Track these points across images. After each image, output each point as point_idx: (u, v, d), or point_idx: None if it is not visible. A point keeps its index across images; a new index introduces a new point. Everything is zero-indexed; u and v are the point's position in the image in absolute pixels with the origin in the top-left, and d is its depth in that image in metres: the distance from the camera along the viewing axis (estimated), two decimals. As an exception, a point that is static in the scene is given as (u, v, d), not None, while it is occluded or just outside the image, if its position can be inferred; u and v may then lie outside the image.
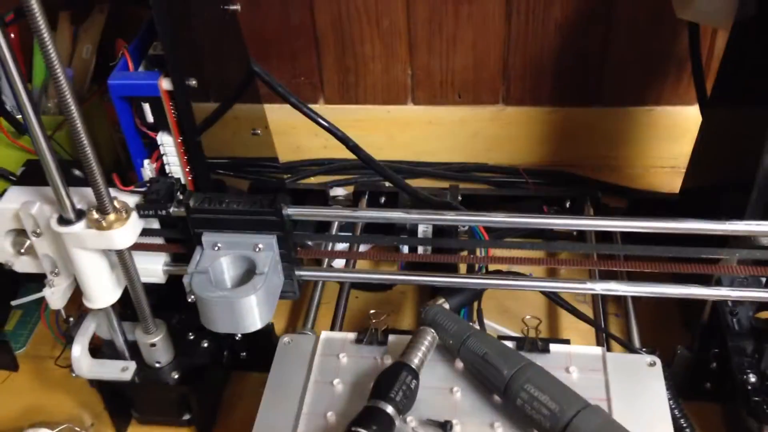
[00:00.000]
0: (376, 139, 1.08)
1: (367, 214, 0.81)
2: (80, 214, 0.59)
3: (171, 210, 0.63)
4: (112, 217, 0.58)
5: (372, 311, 0.67)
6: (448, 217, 0.65)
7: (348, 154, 0.79)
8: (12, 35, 0.82)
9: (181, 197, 0.63)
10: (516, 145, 1.08)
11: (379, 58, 1.03)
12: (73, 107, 0.52)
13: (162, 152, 0.68)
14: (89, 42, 0.91)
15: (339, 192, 1.04)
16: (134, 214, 0.60)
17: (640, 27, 0.95)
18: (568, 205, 0.94)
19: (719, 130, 0.77)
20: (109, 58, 0.97)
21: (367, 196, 0.98)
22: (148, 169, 0.68)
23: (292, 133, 1.04)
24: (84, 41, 0.91)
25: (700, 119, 0.81)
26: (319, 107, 1.06)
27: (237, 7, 0.73)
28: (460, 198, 0.92)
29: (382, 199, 0.97)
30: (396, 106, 1.07)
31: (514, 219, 0.65)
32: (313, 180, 1.08)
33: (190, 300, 0.60)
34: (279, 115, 0.88)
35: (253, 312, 0.59)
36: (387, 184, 0.98)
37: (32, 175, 0.66)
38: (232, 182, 0.75)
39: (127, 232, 0.59)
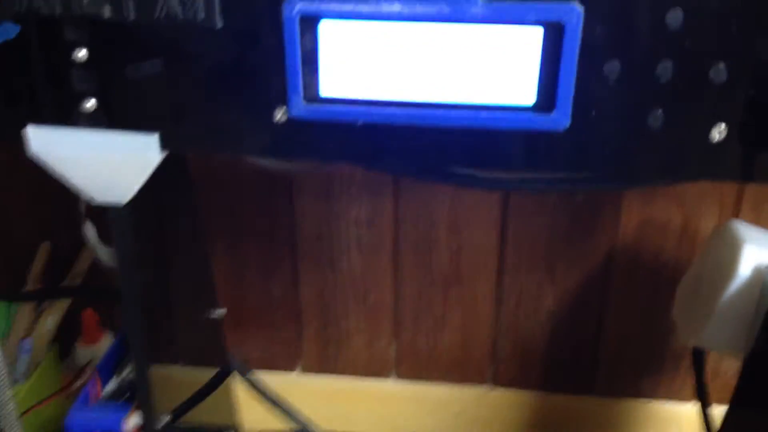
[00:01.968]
0: (355, 412, 1.00)
1: None
2: None
3: None
4: None
5: None
6: None
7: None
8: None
9: None
10: (502, 427, 1.01)
11: (363, 331, 0.98)
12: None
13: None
14: (54, 313, 0.85)
15: None
16: None
17: (634, 321, 0.93)
18: None
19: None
20: (76, 326, 0.92)
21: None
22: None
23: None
24: (49, 312, 0.85)
25: (695, 417, 0.75)
26: (295, 375, 1.00)
27: (223, 310, 0.69)
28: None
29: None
30: (378, 380, 1.01)
31: None
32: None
33: None
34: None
35: None
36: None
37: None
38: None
39: None
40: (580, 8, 0.40)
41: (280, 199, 0.91)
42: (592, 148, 0.44)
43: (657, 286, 0.90)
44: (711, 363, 0.91)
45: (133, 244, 0.52)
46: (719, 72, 0.40)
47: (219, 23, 0.42)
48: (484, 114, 0.43)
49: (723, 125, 0.42)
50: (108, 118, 0.46)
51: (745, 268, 0.69)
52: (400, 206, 0.91)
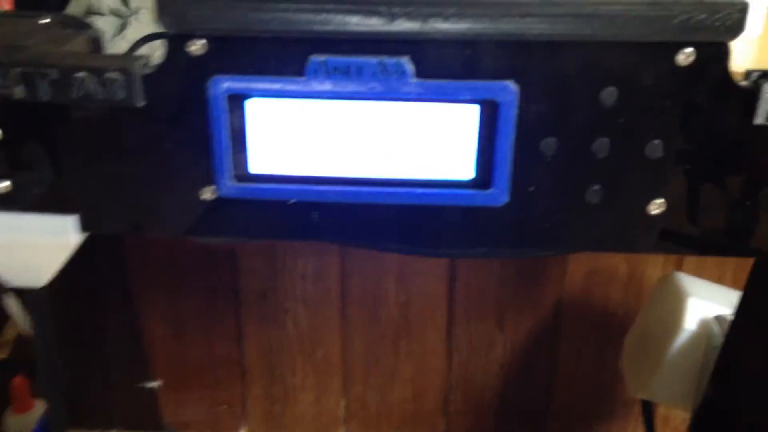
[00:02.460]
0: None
1: None
2: None
3: None
4: None
5: None
6: None
7: None
8: None
9: None
10: (457, 481, 0.99)
11: (311, 388, 0.95)
12: None
13: None
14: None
15: None
16: None
17: (584, 370, 0.92)
18: None
19: None
20: (5, 395, 0.87)
21: None
22: None
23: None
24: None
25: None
26: (241, 436, 0.97)
27: (158, 382, 0.65)
28: None
29: None
30: (327, 437, 0.98)
31: None
32: None
33: None
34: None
35: None
36: None
37: None
38: None
39: None
40: (515, 87, 0.39)
41: (221, 253, 0.89)
42: (530, 222, 0.43)
43: (606, 335, 0.90)
44: (661, 410, 0.90)
45: (52, 326, 0.49)
46: (655, 148, 0.40)
47: (140, 102, 0.40)
48: (420, 191, 0.42)
49: (661, 200, 0.41)
50: (22, 200, 0.43)
51: (690, 322, 0.69)
52: (347, 260, 0.89)
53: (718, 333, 0.67)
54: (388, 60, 0.39)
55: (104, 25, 0.65)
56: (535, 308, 0.90)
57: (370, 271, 0.90)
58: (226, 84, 0.40)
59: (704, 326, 0.68)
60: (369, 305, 0.92)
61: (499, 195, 0.41)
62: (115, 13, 0.66)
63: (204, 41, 0.40)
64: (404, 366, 0.94)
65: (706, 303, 0.68)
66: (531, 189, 0.42)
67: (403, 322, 0.92)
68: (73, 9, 0.68)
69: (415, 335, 0.93)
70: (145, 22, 0.64)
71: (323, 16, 0.39)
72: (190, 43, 0.40)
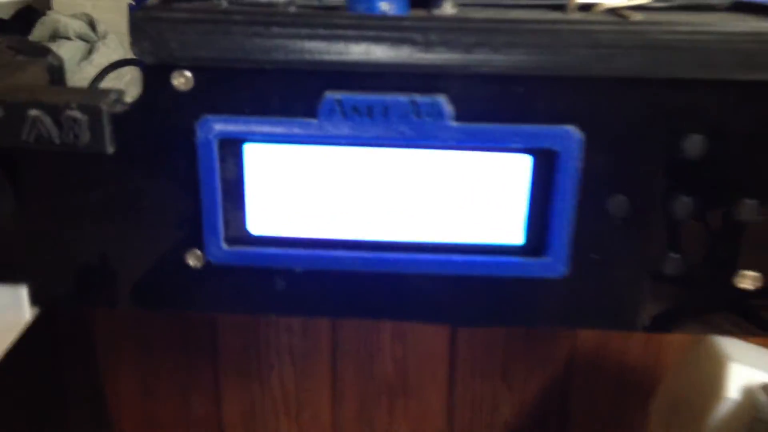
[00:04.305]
0: None
1: None
2: None
3: None
4: None
5: None
6: None
7: None
8: None
9: None
10: None
11: (296, 452, 0.86)
12: None
13: None
14: None
15: None
16: None
17: (597, 431, 0.85)
18: None
19: None
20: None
21: None
22: None
23: None
24: None
25: None
26: (219, 505, 0.87)
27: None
28: None
29: None
30: (314, 505, 0.89)
31: None
32: None
33: None
34: None
35: None
36: None
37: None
38: None
39: None
40: (578, 133, 0.31)
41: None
42: (593, 297, 0.35)
43: (622, 395, 0.82)
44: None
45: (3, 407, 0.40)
46: (749, 209, 0.32)
47: (110, 148, 0.32)
48: (458, 258, 0.34)
49: (755, 273, 0.34)
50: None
51: (732, 390, 0.61)
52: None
53: (765, 403, 0.60)
54: (422, 99, 0.31)
55: (71, 50, 0.57)
56: (545, 364, 0.82)
57: (363, 322, 0.82)
58: (219, 126, 0.32)
59: (749, 395, 0.60)
60: (362, 360, 0.83)
61: (556, 265, 0.34)
62: (82, 38, 0.58)
63: (190, 74, 0.32)
64: (401, 427, 0.86)
65: (751, 369, 0.61)
66: (595, 258, 0.34)
67: (399, 378, 0.84)
68: (39, 33, 0.60)
69: (413, 393, 0.84)
70: (113, 47, 0.56)
71: (341, 45, 0.31)
72: (173, 75, 0.32)
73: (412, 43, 0.31)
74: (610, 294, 0.35)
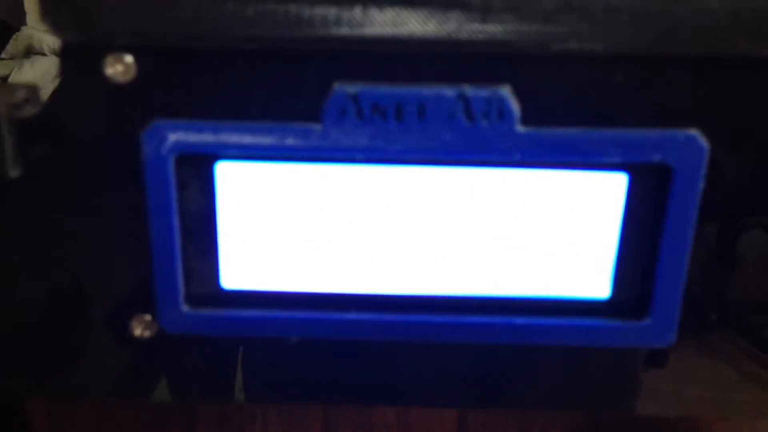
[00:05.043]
0: None
1: None
2: None
3: None
4: None
5: None
6: None
7: None
8: None
9: None
10: None
11: None
12: None
13: None
14: None
15: None
16: None
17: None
18: None
19: None
20: None
21: None
22: None
23: None
24: None
25: None
26: None
27: None
28: None
29: None
30: None
31: None
32: None
33: None
34: None
35: None
36: None
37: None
38: None
39: None
40: (704, 142, 0.22)
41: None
42: (698, 373, 0.25)
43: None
44: None
45: None
46: None
47: (13, 171, 0.22)
48: (518, 320, 0.24)
49: None
50: None
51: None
52: (331, 409, 0.70)
53: None
54: (475, 92, 0.21)
55: (45, 66, 0.48)
56: None
57: (360, 418, 0.71)
58: (176, 135, 0.22)
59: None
60: None
61: (661, 329, 0.24)
62: (56, 54, 0.49)
63: (131, 59, 0.21)
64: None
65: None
66: (714, 319, 0.24)
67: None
68: (12, 48, 0.51)
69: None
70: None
71: (357, 11, 0.21)
72: (107, 61, 0.21)
73: (464, 7, 0.21)
74: (716, 369, 0.26)
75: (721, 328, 0.25)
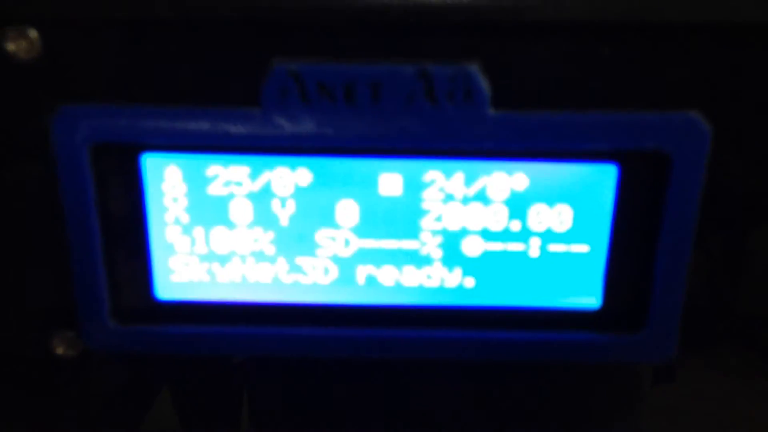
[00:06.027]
0: None
1: None
2: None
3: None
4: None
5: None
6: None
7: None
8: None
9: None
10: None
11: None
12: None
13: None
14: None
15: None
16: None
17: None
18: None
19: None
20: None
21: None
22: None
23: None
24: None
25: None
26: None
27: None
28: None
29: None
30: None
31: None
32: None
33: None
34: None
35: None
36: None
37: None
38: None
39: None
40: (705, 125, 0.19)
41: None
42: (701, 391, 0.22)
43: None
44: None
45: None
46: None
47: None
48: (494, 335, 0.21)
49: None
50: None
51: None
52: None
53: None
54: (438, 69, 0.18)
55: None
56: None
57: None
58: (90, 122, 0.19)
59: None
60: None
61: (659, 343, 0.21)
62: None
63: (35, 33, 0.18)
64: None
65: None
66: (717, 330, 0.21)
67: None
68: None
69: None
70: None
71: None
72: (7, 36, 0.18)
73: (422, -31, 0.18)
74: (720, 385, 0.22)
75: (727, 341, 0.22)
